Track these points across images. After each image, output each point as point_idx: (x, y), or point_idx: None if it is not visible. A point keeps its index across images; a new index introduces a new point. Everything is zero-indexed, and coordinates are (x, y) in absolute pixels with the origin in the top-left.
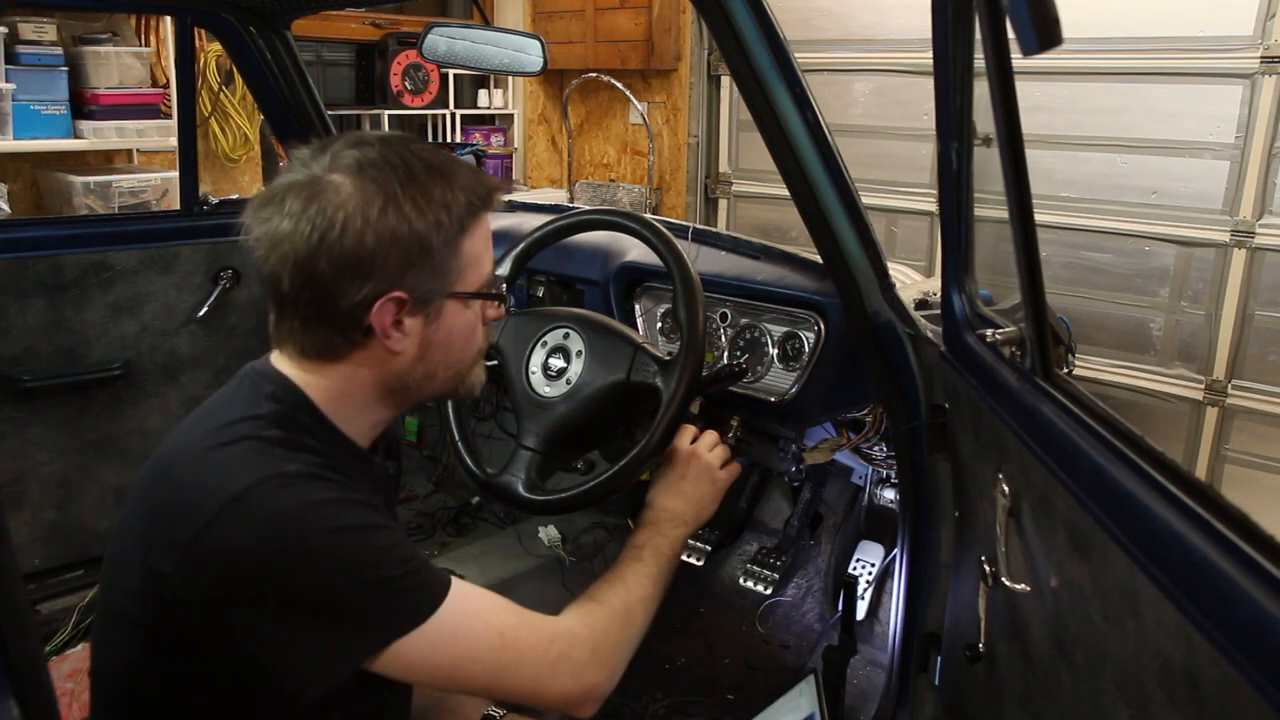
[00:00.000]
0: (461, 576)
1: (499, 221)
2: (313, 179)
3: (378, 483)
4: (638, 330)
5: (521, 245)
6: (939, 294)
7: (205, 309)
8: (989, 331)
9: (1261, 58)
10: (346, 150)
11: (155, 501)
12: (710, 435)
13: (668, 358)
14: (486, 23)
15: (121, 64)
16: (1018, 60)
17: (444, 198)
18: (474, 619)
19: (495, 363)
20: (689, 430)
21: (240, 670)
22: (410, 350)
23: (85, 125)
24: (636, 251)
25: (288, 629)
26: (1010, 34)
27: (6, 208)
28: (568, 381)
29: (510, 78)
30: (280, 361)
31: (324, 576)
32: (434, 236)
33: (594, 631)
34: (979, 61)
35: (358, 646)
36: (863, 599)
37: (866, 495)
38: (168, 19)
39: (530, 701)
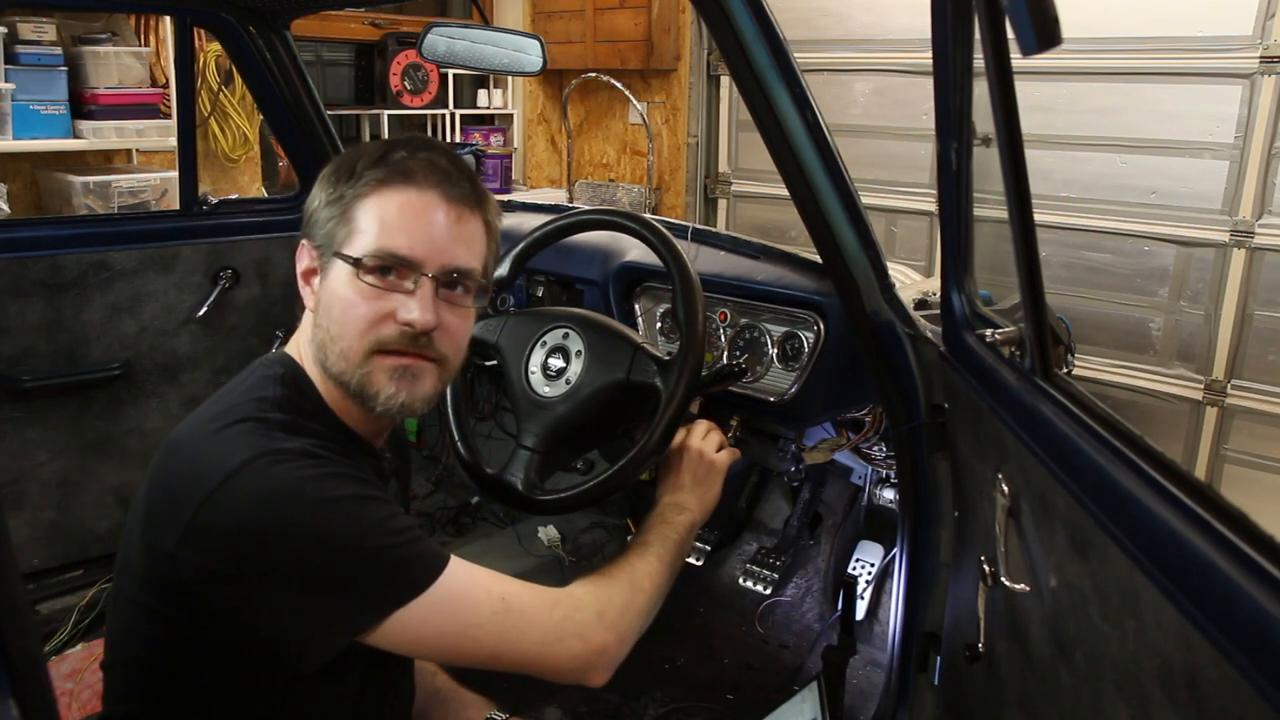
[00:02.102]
0: None
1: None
2: None
3: (383, 475)
4: (637, 330)
5: (521, 245)
6: (939, 294)
7: (205, 309)
8: (989, 331)
9: (1261, 58)
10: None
11: (159, 482)
12: (701, 425)
13: (667, 358)
14: (486, 23)
15: (121, 64)
16: (1017, 60)
17: (355, 164)
18: (475, 586)
19: (494, 362)
20: (684, 428)
21: (245, 644)
22: (313, 305)
23: (85, 125)
24: (636, 251)
25: (288, 599)
26: (1010, 34)
27: (6, 208)
28: (567, 381)
29: (510, 78)
30: (291, 346)
31: (321, 546)
32: (332, 192)
33: (598, 596)
34: (979, 61)
35: (358, 615)
36: (862, 599)
37: (866, 495)
38: (167, 19)
39: (540, 669)
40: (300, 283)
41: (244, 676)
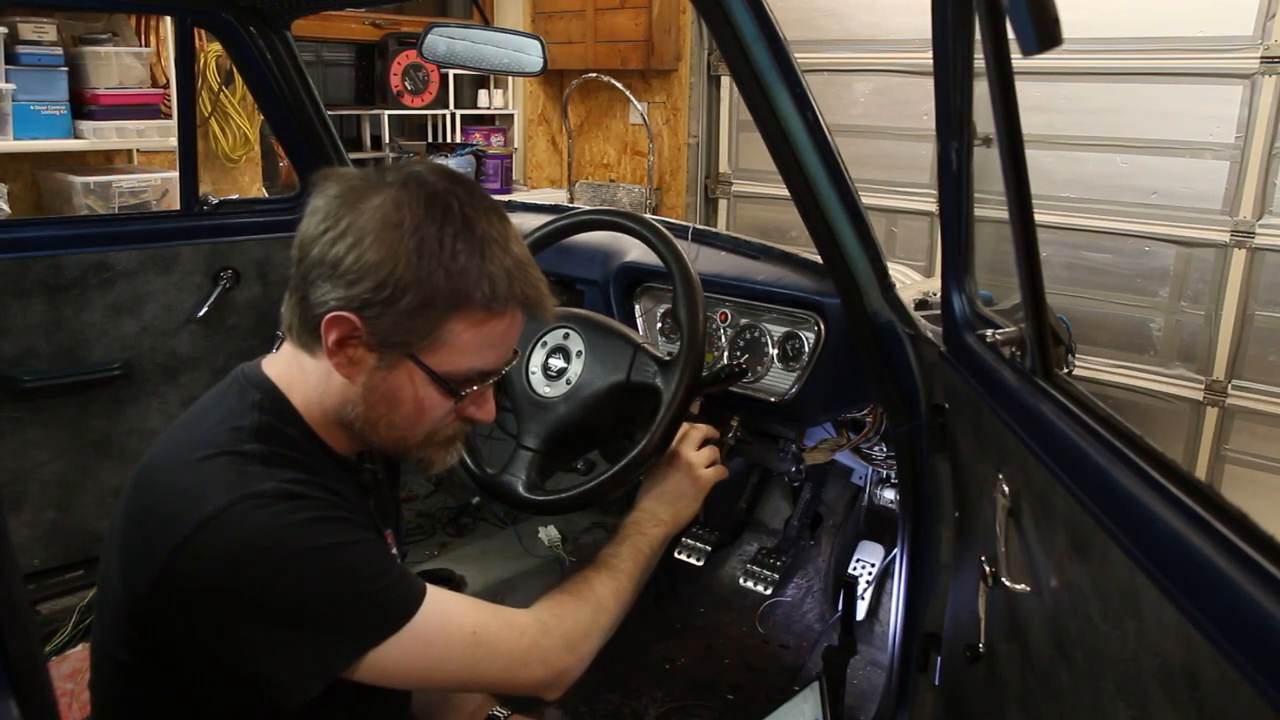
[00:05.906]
0: (461, 577)
1: None
2: (365, 188)
3: (365, 489)
4: (638, 330)
5: None
6: (939, 294)
7: (205, 309)
8: (989, 332)
9: (1261, 58)
10: (415, 169)
11: (134, 515)
12: (697, 432)
13: (668, 358)
14: (486, 23)
15: (121, 64)
16: (1018, 60)
17: (463, 263)
18: (448, 621)
19: None
20: (685, 429)
21: (224, 683)
22: (356, 381)
23: (85, 125)
24: (636, 251)
25: (264, 645)
26: (1010, 34)
27: (6, 208)
28: (568, 382)
29: (510, 78)
30: (272, 363)
31: (297, 596)
32: (422, 287)
33: (563, 620)
34: (979, 61)
35: (334, 658)
36: (862, 599)
37: (866, 495)
38: (168, 19)
39: (501, 690)
40: (329, 346)
41: (224, 712)
